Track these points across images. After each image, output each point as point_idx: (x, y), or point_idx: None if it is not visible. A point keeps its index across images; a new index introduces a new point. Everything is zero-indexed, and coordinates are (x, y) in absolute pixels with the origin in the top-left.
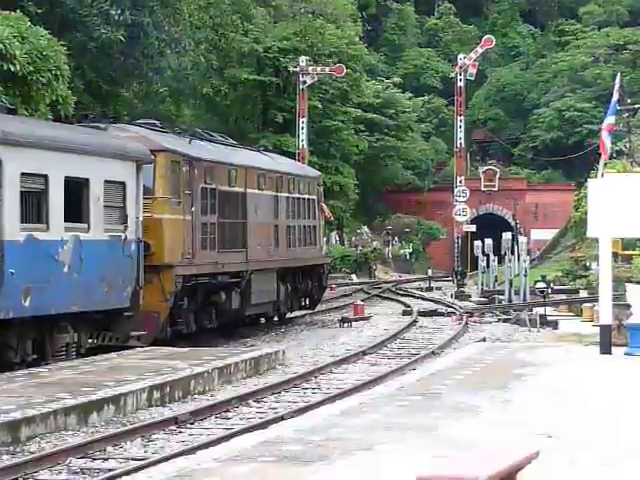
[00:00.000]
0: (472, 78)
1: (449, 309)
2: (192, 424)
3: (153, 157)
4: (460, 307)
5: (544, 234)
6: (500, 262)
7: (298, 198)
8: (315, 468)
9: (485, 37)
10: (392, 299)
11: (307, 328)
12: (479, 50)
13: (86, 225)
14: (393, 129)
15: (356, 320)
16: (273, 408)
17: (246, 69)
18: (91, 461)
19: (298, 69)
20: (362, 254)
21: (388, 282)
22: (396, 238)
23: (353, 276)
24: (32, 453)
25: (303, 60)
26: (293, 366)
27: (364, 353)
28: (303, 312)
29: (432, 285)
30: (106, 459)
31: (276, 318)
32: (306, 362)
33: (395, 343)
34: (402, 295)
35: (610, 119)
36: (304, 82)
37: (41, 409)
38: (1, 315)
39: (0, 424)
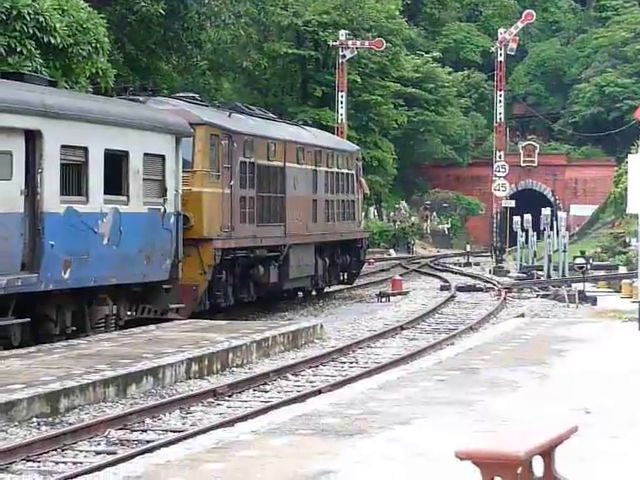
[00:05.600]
0: (512, 53)
1: (487, 284)
2: (230, 397)
3: (192, 130)
4: (498, 282)
5: (583, 210)
6: (539, 238)
7: (337, 172)
8: (353, 441)
9: (526, 12)
10: (430, 274)
11: (345, 303)
12: (519, 25)
13: (125, 198)
14: (432, 104)
15: (394, 295)
16: (311, 382)
17: (285, 43)
18: (130, 432)
19: (337, 43)
20: (400, 229)
21: (426, 257)
22: (435, 213)
23: (391, 251)
24: (71, 424)
25: (342, 34)
26: (331, 340)
27: (402, 328)
28: (341, 287)
29: (470, 260)
30: (145, 431)
31: (314, 292)
32: (344, 336)
33: (433, 318)
34: (440, 270)
35: None
36: (343, 56)
37: (80, 380)
38: (41, 287)
39: (39, 395)
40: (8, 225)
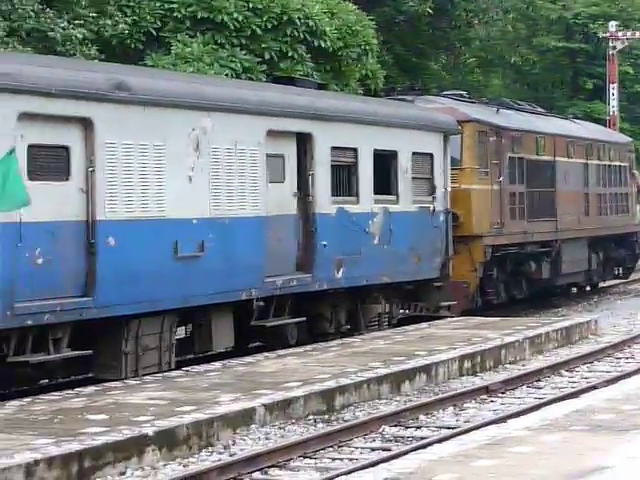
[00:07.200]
0: None
1: None
2: (503, 393)
3: (460, 128)
4: None
5: None
6: None
7: (608, 165)
8: (629, 437)
9: None
10: None
11: (621, 297)
12: None
13: (395, 197)
14: None
15: None
16: (585, 378)
17: (554, 36)
18: (404, 429)
19: (607, 34)
20: None
21: None
22: None
23: None
24: (346, 421)
25: (613, 25)
26: (606, 335)
27: None
28: (616, 281)
29: None
30: (418, 427)
31: (588, 287)
32: (619, 331)
33: None
34: None
35: None
36: (614, 47)
37: (355, 378)
38: (315, 287)
39: (316, 393)
40: (282, 227)
